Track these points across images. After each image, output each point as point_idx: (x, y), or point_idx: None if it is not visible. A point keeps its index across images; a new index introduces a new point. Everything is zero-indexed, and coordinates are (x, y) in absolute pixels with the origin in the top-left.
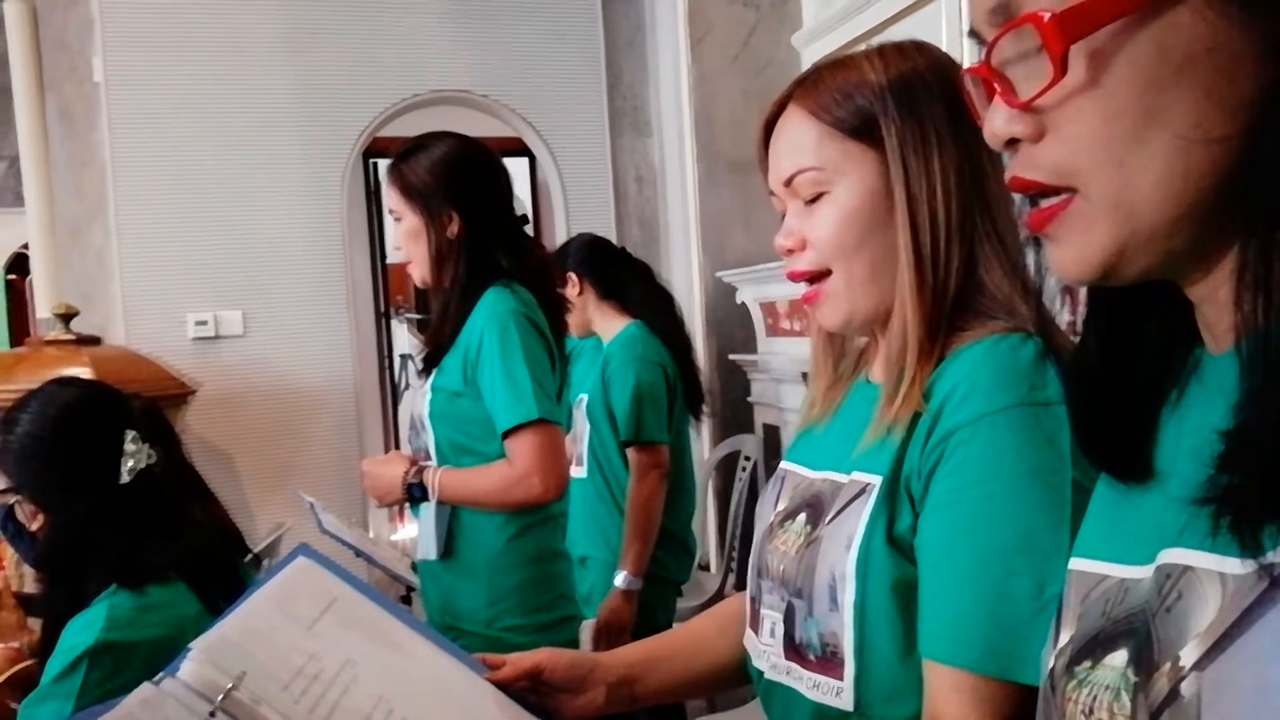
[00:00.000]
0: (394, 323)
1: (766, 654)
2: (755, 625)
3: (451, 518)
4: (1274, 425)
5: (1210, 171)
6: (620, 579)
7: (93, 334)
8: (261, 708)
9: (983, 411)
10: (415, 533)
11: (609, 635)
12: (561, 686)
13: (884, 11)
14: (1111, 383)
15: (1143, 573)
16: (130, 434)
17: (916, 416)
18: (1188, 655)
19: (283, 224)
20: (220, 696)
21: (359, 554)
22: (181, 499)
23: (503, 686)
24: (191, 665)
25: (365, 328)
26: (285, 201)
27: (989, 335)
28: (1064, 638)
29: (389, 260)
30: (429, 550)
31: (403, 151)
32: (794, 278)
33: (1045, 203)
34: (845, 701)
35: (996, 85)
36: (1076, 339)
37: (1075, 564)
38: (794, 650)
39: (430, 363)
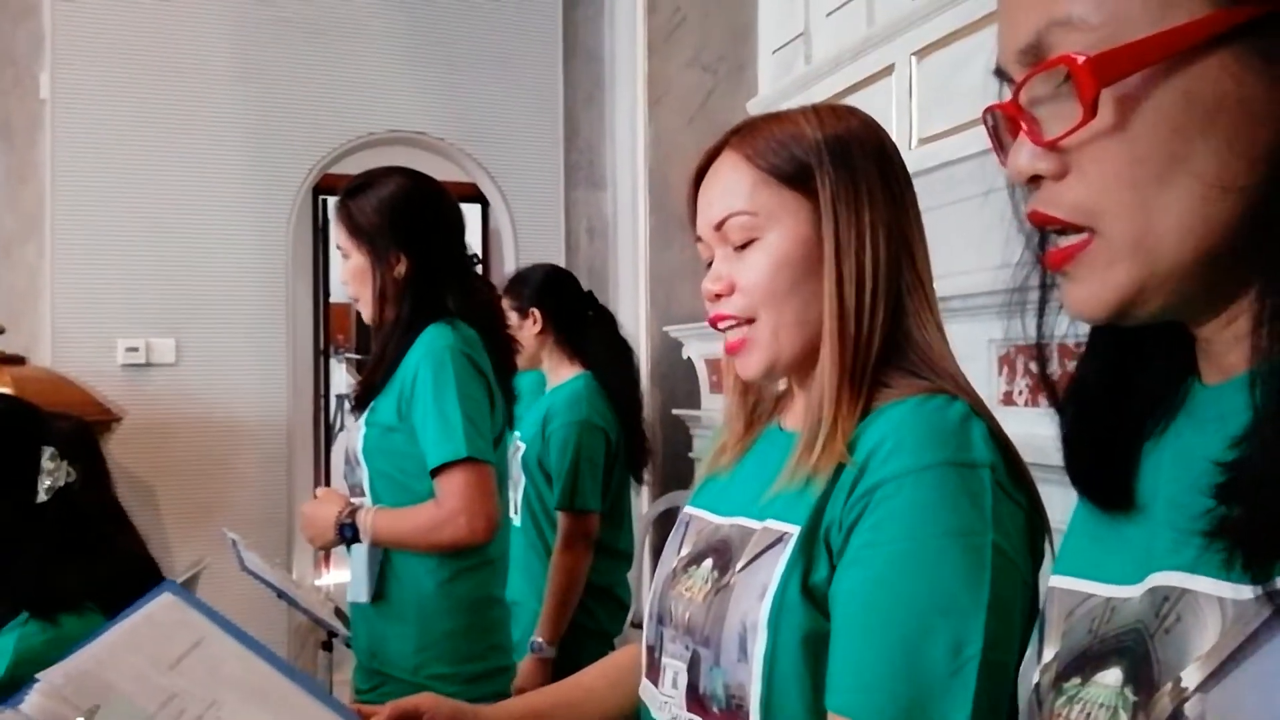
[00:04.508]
0: (333, 361)
1: (667, 705)
2: (654, 675)
3: (384, 560)
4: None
5: (1230, 218)
6: (535, 645)
7: (17, 353)
8: None
9: (909, 468)
10: (344, 577)
11: None
12: None
13: (838, 84)
14: (1107, 412)
15: (1130, 592)
16: (48, 451)
17: (840, 468)
18: (1190, 677)
19: (225, 254)
20: None
21: (280, 595)
22: (102, 523)
23: None
24: (37, 698)
25: (303, 365)
26: (230, 232)
27: (915, 394)
28: (1048, 654)
29: (332, 298)
30: (359, 593)
31: (351, 188)
32: (717, 322)
33: (1064, 241)
34: None
35: (1023, 123)
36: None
37: (1057, 582)
38: (696, 702)
39: (363, 399)
